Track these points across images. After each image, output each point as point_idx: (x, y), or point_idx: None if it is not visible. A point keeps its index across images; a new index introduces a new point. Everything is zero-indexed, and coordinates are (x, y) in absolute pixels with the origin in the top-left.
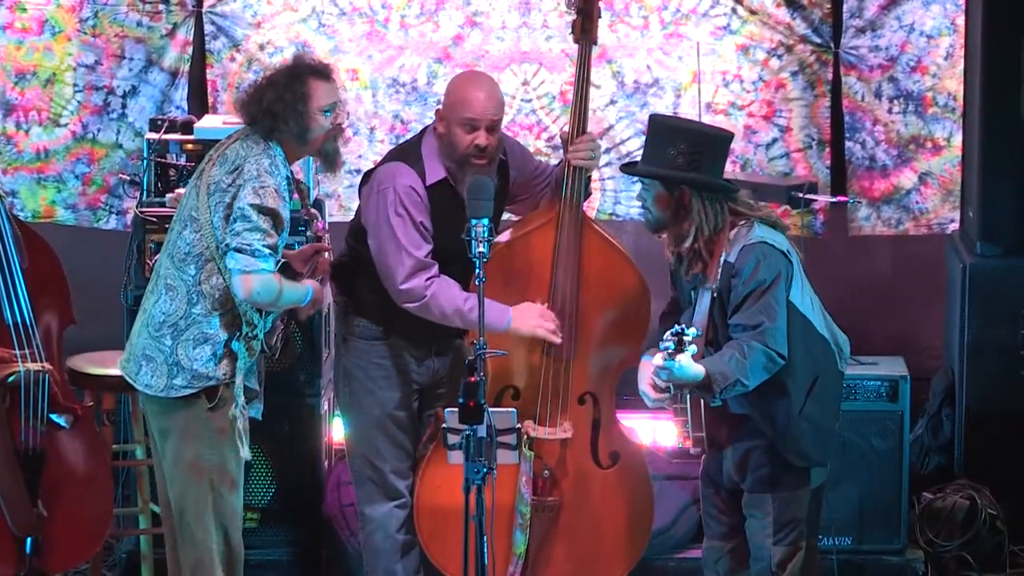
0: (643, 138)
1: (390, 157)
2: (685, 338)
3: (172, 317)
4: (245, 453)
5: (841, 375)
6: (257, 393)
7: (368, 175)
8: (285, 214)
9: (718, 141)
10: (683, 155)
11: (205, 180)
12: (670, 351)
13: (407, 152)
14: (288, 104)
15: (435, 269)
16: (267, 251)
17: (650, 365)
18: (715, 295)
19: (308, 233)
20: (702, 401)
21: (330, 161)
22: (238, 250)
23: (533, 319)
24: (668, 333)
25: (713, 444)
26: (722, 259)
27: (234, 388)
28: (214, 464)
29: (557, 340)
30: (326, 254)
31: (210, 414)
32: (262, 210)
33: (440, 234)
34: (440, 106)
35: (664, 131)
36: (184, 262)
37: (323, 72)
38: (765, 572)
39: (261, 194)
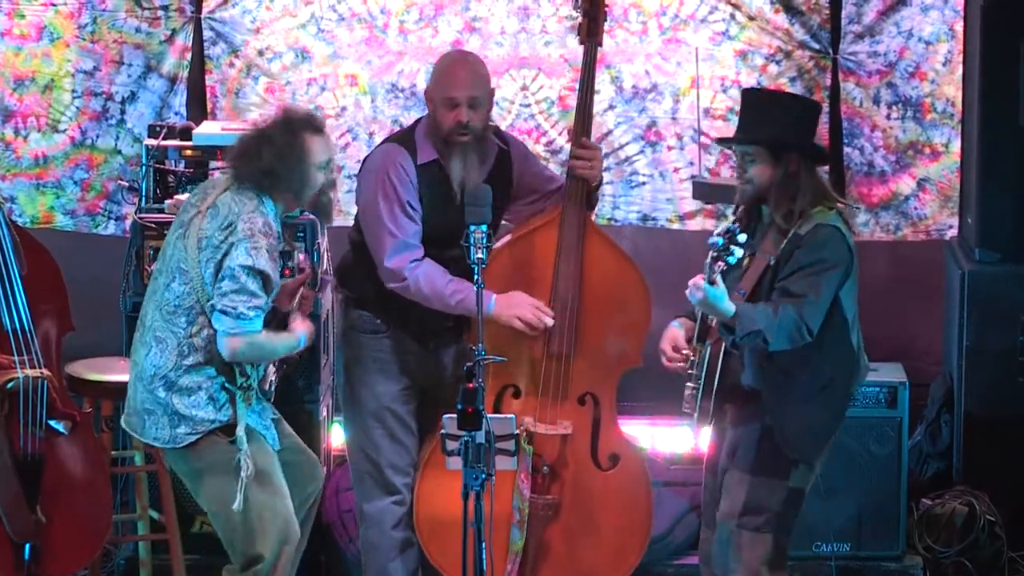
0: (641, 143)
1: (384, 141)
2: (737, 237)
3: (163, 369)
4: (237, 504)
5: (851, 394)
6: (256, 433)
7: (363, 162)
8: (275, 276)
9: (816, 109)
10: (791, 124)
11: (195, 232)
12: (718, 246)
13: (400, 135)
14: (288, 163)
15: (420, 252)
16: (252, 313)
17: (673, 329)
18: (771, 262)
19: (291, 264)
20: (718, 372)
21: (326, 213)
22: (223, 312)
23: (513, 308)
24: (719, 229)
25: (717, 426)
26: (791, 231)
27: (236, 436)
28: (247, 491)
29: (532, 333)
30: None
31: (231, 447)
32: (253, 271)
33: (432, 216)
34: (427, 87)
35: (768, 101)
36: (174, 315)
37: (316, 126)
38: (723, 552)
39: (254, 255)
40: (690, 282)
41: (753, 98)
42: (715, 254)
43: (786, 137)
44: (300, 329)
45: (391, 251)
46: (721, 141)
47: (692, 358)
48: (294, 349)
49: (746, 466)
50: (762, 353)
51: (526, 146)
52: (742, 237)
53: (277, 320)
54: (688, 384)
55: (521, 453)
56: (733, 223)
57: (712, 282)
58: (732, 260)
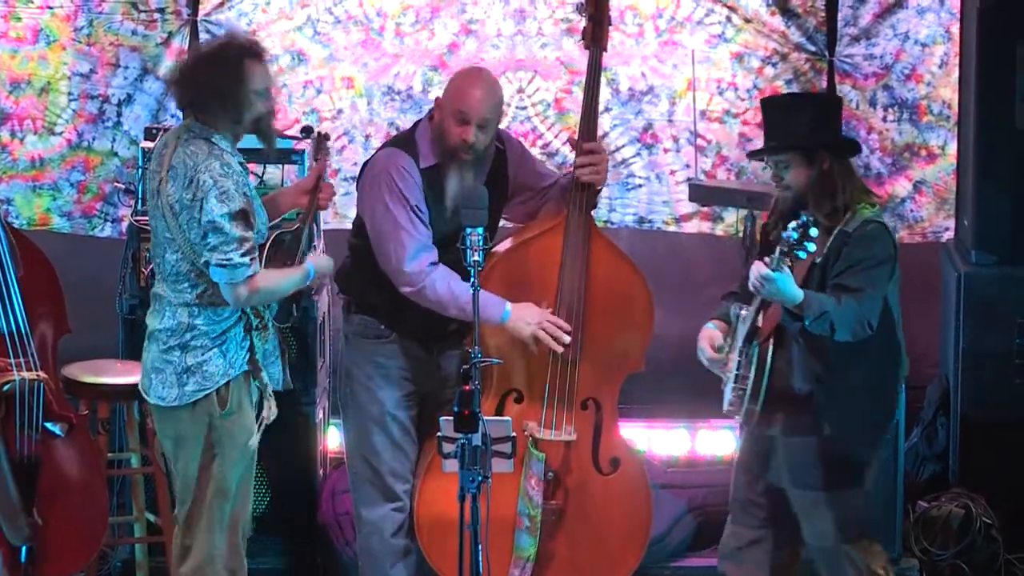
0: (637, 145)
1: (384, 146)
2: (810, 231)
3: (178, 331)
4: (253, 441)
5: (898, 391)
6: (263, 368)
7: (364, 167)
8: (253, 206)
9: (836, 102)
10: (815, 122)
11: (165, 200)
12: (793, 240)
13: (401, 139)
14: (227, 87)
15: (436, 254)
16: (247, 259)
17: (708, 329)
18: (817, 262)
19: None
20: (767, 373)
21: (267, 138)
22: (220, 265)
23: (530, 319)
24: (793, 223)
25: (761, 431)
26: (837, 229)
27: (257, 381)
28: (227, 471)
29: (558, 348)
30: (329, 179)
31: (222, 421)
32: (231, 216)
33: (434, 220)
34: (440, 95)
35: (786, 107)
36: (177, 281)
37: (256, 52)
38: (840, 572)
39: (226, 200)
40: (753, 274)
41: (773, 105)
42: (786, 248)
43: (813, 137)
44: (311, 261)
45: (411, 253)
46: (753, 154)
47: (738, 359)
48: (303, 283)
49: (818, 483)
50: (814, 353)
51: (523, 144)
52: (814, 231)
53: (293, 237)
54: (734, 385)
55: (532, 460)
56: (807, 216)
57: (777, 270)
58: (803, 255)
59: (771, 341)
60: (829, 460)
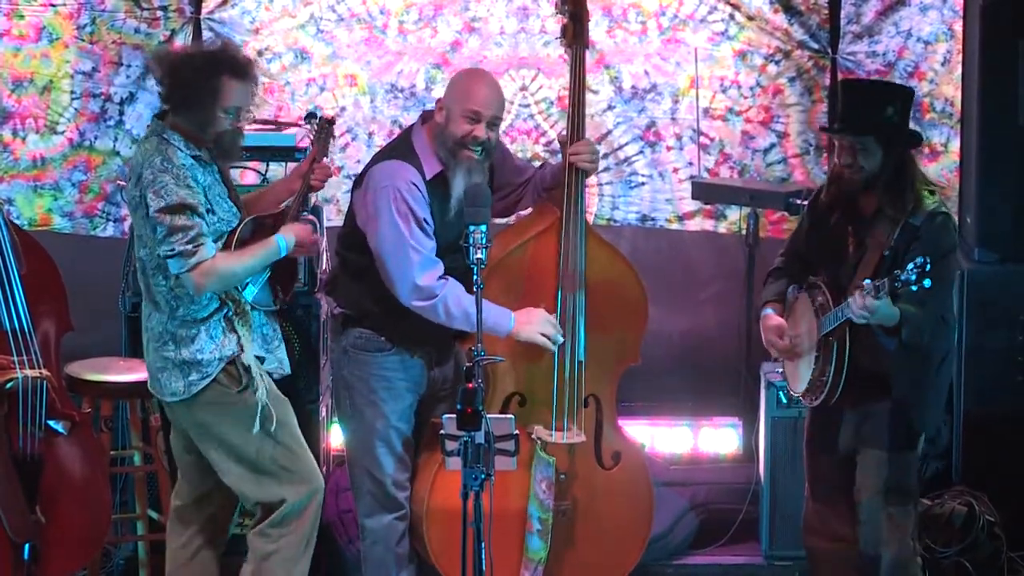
0: (640, 143)
1: (382, 156)
2: (927, 268)
3: (166, 326)
4: (271, 427)
5: (951, 361)
6: (264, 359)
7: (361, 177)
8: (196, 198)
9: (912, 95)
10: (899, 114)
11: (128, 199)
12: (911, 281)
13: (400, 149)
14: (198, 94)
15: (442, 267)
16: (191, 246)
17: (773, 318)
18: (885, 255)
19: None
20: (847, 353)
21: (225, 153)
22: (168, 257)
23: (535, 325)
24: (911, 264)
25: (832, 407)
26: (903, 221)
27: (250, 367)
28: (261, 440)
29: (552, 347)
30: (326, 159)
31: (240, 396)
32: (169, 210)
33: (439, 228)
34: (441, 96)
35: (876, 91)
36: (154, 276)
37: (240, 71)
38: (878, 531)
39: (162, 195)
40: (858, 305)
41: (858, 89)
42: (899, 286)
43: (895, 127)
44: (281, 233)
45: (419, 268)
46: (829, 129)
47: (816, 353)
48: (274, 257)
49: (881, 444)
50: (886, 340)
51: (500, 142)
52: (929, 267)
53: (275, 219)
54: (811, 378)
55: (542, 463)
56: (924, 256)
57: (906, 286)
58: (915, 288)
59: (847, 336)
60: (893, 424)
